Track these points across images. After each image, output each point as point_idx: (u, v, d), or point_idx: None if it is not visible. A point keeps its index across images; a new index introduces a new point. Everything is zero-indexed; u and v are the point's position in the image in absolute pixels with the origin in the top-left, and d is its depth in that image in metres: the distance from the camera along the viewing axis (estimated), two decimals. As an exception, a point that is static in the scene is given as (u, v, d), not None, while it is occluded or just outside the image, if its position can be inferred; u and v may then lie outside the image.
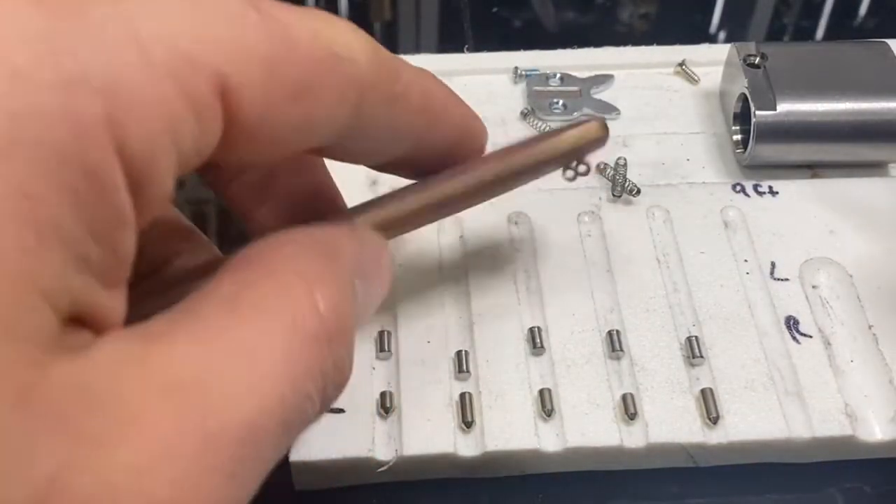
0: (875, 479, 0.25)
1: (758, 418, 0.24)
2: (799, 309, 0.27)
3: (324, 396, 0.15)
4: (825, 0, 0.45)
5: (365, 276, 0.17)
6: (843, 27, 0.45)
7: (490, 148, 0.23)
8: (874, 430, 0.25)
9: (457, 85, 0.34)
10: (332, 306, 0.15)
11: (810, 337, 0.26)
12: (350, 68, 0.16)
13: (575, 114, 0.33)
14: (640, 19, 0.44)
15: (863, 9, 0.46)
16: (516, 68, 0.34)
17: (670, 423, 0.24)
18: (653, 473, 0.25)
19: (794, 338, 0.26)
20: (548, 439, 0.24)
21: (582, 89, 0.33)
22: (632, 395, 0.25)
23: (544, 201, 0.30)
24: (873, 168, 0.31)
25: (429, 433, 0.24)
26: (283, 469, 0.24)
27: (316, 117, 0.15)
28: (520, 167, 0.22)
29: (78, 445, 0.11)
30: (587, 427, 0.24)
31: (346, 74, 0.16)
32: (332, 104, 0.16)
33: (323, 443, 0.24)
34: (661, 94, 0.34)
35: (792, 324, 0.27)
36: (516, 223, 0.29)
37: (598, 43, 0.36)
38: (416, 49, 0.44)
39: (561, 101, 0.33)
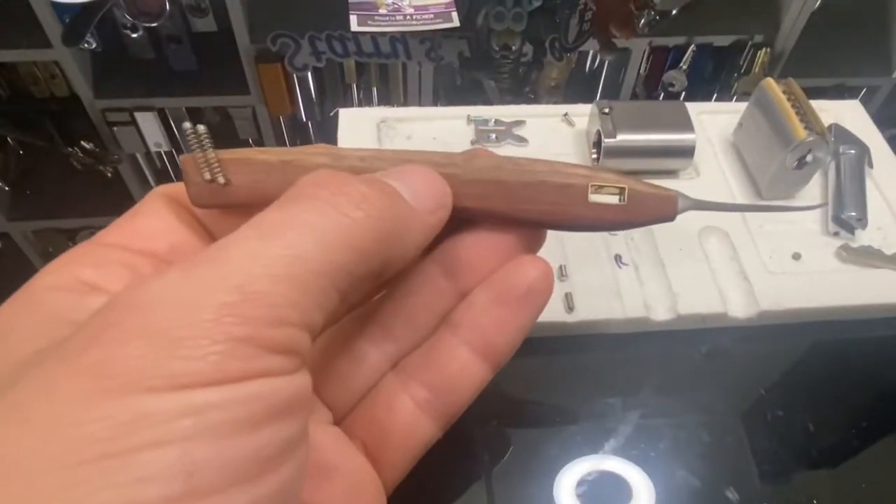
0: (663, 344, 0.44)
1: (599, 306, 0.44)
2: (621, 250, 0.47)
3: None
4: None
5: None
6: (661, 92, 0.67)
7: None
8: (659, 315, 0.44)
9: (434, 127, 0.54)
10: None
11: (627, 265, 0.46)
12: None
13: (501, 143, 0.53)
14: (553, 88, 0.66)
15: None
16: (468, 116, 0.54)
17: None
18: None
19: (619, 266, 0.46)
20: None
21: (507, 129, 0.54)
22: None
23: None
24: (671, 173, 0.51)
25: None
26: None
27: None
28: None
29: None
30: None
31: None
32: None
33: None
34: (553, 132, 0.54)
35: (616, 257, 0.46)
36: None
37: (519, 102, 0.56)
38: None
39: (494, 136, 0.53)
